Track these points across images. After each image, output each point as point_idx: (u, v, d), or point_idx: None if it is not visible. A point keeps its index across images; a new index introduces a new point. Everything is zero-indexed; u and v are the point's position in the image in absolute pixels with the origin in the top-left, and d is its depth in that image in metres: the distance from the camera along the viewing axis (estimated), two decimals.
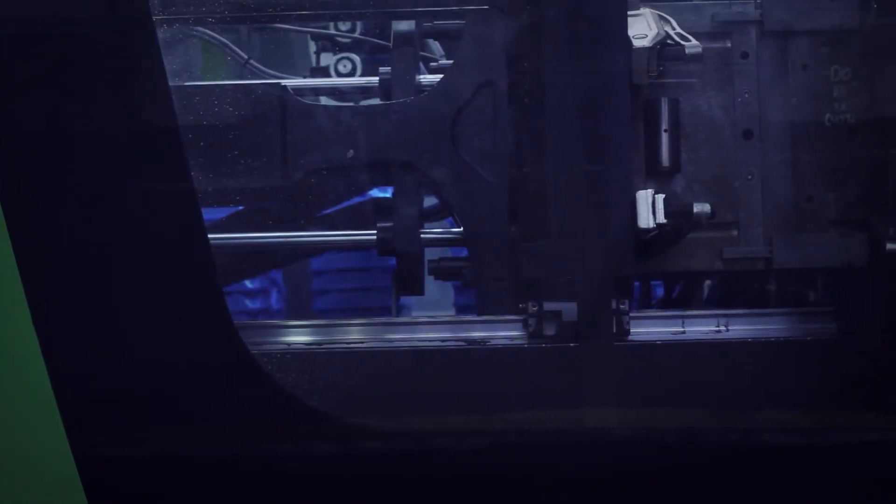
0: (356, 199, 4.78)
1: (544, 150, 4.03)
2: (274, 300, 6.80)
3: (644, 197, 4.04)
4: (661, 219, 4.03)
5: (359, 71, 5.03)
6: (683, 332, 4.22)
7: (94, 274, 3.67)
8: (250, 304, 6.70)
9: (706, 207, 4.11)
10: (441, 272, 4.52)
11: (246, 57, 4.74)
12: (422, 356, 4.09)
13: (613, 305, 4.04)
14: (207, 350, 3.76)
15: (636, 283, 5.18)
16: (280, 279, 6.80)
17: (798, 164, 4.28)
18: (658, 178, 4.23)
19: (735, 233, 4.27)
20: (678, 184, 4.26)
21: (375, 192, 4.72)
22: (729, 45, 4.29)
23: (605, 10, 4.01)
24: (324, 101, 4.68)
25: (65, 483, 3.58)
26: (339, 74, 5.00)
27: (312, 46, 5.39)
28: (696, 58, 4.13)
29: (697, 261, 4.27)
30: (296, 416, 3.85)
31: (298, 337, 4.27)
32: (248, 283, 6.59)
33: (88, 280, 3.66)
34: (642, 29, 4.12)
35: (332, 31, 5.06)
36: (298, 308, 6.76)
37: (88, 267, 3.66)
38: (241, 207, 4.60)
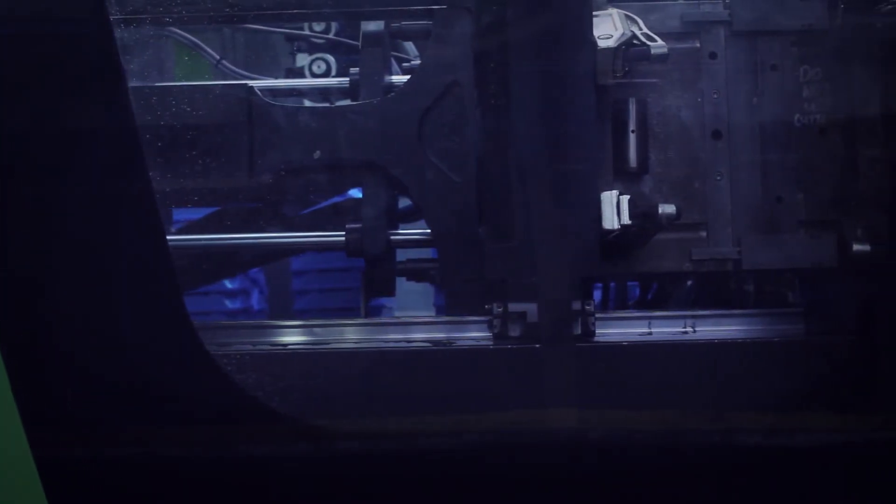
0: (334, 199, 4.81)
1: (509, 150, 4.04)
2: (255, 300, 6.81)
3: (609, 198, 4.04)
4: (626, 220, 4.02)
5: (333, 71, 5.03)
6: (650, 334, 4.26)
7: (53, 274, 3.66)
8: (230, 304, 6.72)
9: (671, 209, 4.10)
10: (409, 273, 4.53)
11: (218, 57, 4.74)
12: (383, 357, 4.09)
13: (578, 306, 4.05)
14: (165, 350, 3.74)
15: (611, 285, 5.23)
16: (262, 280, 6.81)
17: (767, 164, 4.28)
18: (626, 178, 4.24)
19: (704, 234, 4.30)
20: (646, 185, 4.27)
21: (354, 193, 4.73)
22: (697, 45, 4.31)
23: (569, 11, 4.02)
24: (307, 102, 4.70)
25: (25, 484, 3.60)
26: (314, 75, 5.00)
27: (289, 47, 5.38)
28: (661, 58, 4.13)
29: (666, 262, 4.26)
30: (252, 416, 3.85)
31: (267, 338, 4.27)
32: (228, 284, 6.62)
33: (47, 280, 3.65)
34: (608, 29, 4.12)
35: (307, 32, 5.06)
36: (279, 308, 6.77)
37: (46, 267, 3.65)
38: (207, 209, 4.62)
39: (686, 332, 4.19)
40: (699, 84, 4.27)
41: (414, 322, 4.28)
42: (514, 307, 4.03)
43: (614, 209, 4.02)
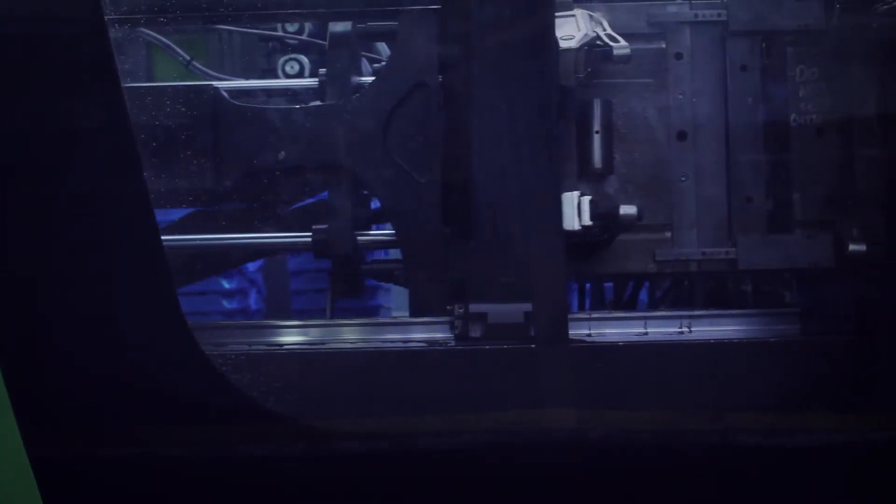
0: (310, 200, 4.79)
1: (472, 151, 4.01)
2: (253, 300, 6.81)
3: (570, 199, 4.03)
4: (587, 221, 4.01)
5: (307, 72, 4.99)
6: (646, 334, 4.22)
7: (46, 273, 3.66)
8: (227, 304, 6.72)
9: (632, 210, 4.08)
10: (374, 274, 4.51)
11: (188, 58, 4.73)
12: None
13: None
14: (160, 349, 3.74)
15: (587, 285, 5.19)
16: (260, 280, 6.81)
17: (735, 165, 4.25)
18: (591, 179, 4.22)
19: (669, 235, 4.26)
20: (611, 185, 4.25)
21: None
22: (664, 45, 4.27)
23: (532, 12, 4.00)
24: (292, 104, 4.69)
25: (20, 484, 3.61)
26: (287, 76, 4.99)
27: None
28: (623, 59, 4.11)
29: (630, 263, 4.25)
30: (250, 416, 3.84)
31: (265, 338, 4.28)
32: (226, 284, 6.62)
33: (40, 279, 3.65)
34: (571, 30, 4.09)
35: (280, 33, 5.03)
36: (277, 308, 6.76)
37: (40, 266, 3.66)
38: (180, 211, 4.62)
39: (682, 333, 4.18)
40: (665, 85, 4.25)
41: (413, 322, 4.27)
42: (475, 308, 4.00)
43: (575, 210, 4.01)
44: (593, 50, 4.08)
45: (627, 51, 4.08)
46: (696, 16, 4.24)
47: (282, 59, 4.97)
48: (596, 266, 4.24)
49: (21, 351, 3.62)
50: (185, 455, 3.82)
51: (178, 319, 3.72)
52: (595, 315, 4.31)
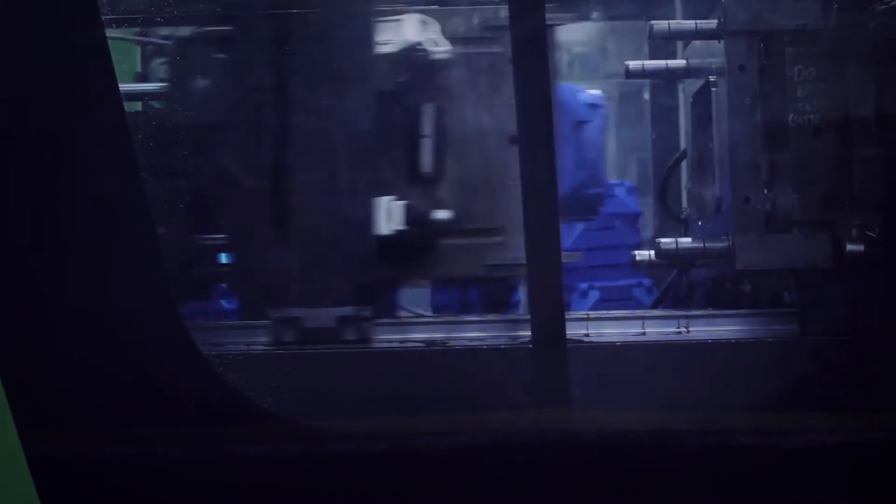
0: None
1: (287, 156, 4.09)
2: None
3: (383, 204, 4.06)
4: (399, 225, 4.03)
5: None
6: (644, 334, 4.22)
7: (43, 273, 3.75)
8: (227, 304, 6.69)
9: (446, 214, 4.11)
10: (215, 277, 4.62)
11: None
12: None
13: (355, 312, 4.11)
14: (157, 349, 3.81)
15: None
16: None
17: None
18: (420, 184, 4.26)
19: (501, 239, 4.26)
20: (442, 190, 4.27)
21: None
22: (498, 49, 4.28)
23: (349, 18, 4.07)
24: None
25: (17, 483, 3.63)
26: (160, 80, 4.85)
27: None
28: (443, 64, 4.13)
29: (460, 267, 4.29)
30: (247, 416, 3.92)
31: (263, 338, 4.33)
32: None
33: (36, 278, 3.75)
34: (392, 35, 4.11)
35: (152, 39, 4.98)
36: None
37: (36, 266, 3.74)
38: None
39: (680, 333, 4.21)
40: (499, 89, 4.26)
41: (412, 322, 4.36)
42: (292, 312, 4.09)
43: (388, 215, 4.05)
44: (413, 55, 4.11)
45: (447, 55, 4.12)
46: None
47: (156, 63, 4.96)
48: (426, 270, 4.29)
49: (17, 350, 3.72)
50: (184, 455, 3.89)
51: (175, 317, 3.80)
52: (593, 315, 4.33)
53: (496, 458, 3.87)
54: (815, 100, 4.22)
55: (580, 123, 4.52)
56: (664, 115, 7.16)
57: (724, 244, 4.23)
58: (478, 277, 4.31)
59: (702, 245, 4.30)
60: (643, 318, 4.29)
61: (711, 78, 4.47)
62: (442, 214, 4.07)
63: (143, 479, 3.83)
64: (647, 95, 8.72)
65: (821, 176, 4.20)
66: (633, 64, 4.84)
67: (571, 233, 8.28)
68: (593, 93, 4.60)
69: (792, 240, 4.21)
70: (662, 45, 6.06)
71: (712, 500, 3.89)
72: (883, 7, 4.09)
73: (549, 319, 3.92)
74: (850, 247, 4.12)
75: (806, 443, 3.86)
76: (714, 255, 4.27)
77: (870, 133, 4.14)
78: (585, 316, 4.35)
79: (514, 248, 4.23)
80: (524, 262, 4.09)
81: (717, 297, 5.03)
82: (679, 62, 4.91)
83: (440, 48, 4.12)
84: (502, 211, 4.24)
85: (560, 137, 4.37)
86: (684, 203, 5.37)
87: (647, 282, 7.83)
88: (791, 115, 4.23)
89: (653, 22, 4.57)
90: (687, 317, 4.27)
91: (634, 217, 8.41)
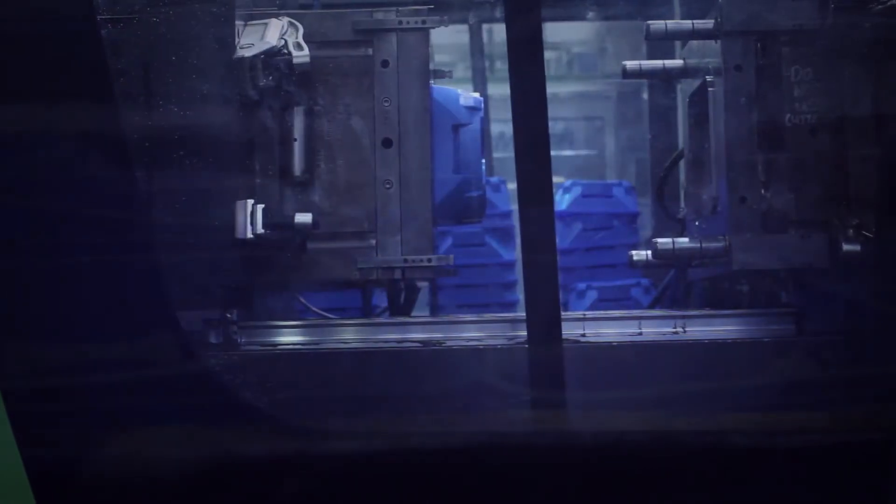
0: None
1: (155, 160, 3.97)
2: None
3: (242, 207, 3.99)
4: (259, 230, 3.98)
5: None
6: (640, 334, 4.21)
7: (40, 274, 3.71)
8: None
9: (307, 217, 4.05)
10: None
11: None
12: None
13: (221, 316, 4.08)
14: (154, 349, 3.78)
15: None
16: None
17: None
18: (291, 187, 4.18)
19: (373, 242, 4.23)
20: (314, 193, 4.20)
21: None
22: (370, 52, 4.25)
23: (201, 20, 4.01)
24: None
25: (14, 486, 3.62)
26: None
27: None
28: (303, 68, 4.07)
29: (331, 271, 4.22)
30: (246, 416, 3.90)
31: (262, 338, 4.30)
32: None
33: (33, 280, 3.71)
34: (253, 38, 4.06)
35: None
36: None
37: (33, 267, 3.70)
38: None
39: (676, 333, 4.20)
40: (371, 92, 4.23)
41: (410, 322, 4.35)
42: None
43: (248, 218, 3.99)
44: (272, 59, 4.04)
45: (307, 59, 4.06)
46: (400, 23, 4.25)
47: None
48: (289, 275, 4.22)
49: (14, 351, 3.69)
50: (183, 455, 3.86)
51: (170, 317, 3.78)
52: (589, 315, 4.33)
53: (492, 458, 3.87)
54: (812, 100, 4.21)
55: (458, 126, 4.51)
56: (662, 115, 7.17)
57: (720, 244, 4.20)
58: (350, 281, 4.26)
59: (698, 245, 4.26)
60: (640, 318, 4.27)
61: (708, 78, 4.43)
62: (303, 218, 4.02)
63: (139, 481, 3.80)
64: (645, 95, 8.76)
65: (817, 176, 4.18)
66: (630, 64, 4.82)
67: (569, 233, 8.28)
68: (472, 95, 4.58)
69: (788, 240, 4.19)
70: (659, 45, 6.11)
71: (709, 500, 3.89)
72: (880, 7, 4.05)
73: (545, 319, 3.89)
74: (846, 247, 4.08)
75: (803, 443, 3.86)
76: (711, 254, 4.25)
77: (867, 133, 4.11)
78: (582, 316, 4.33)
79: (388, 252, 4.21)
80: (397, 265, 4.15)
81: (714, 297, 5.01)
82: (676, 62, 4.89)
83: (300, 52, 4.06)
84: (374, 214, 4.20)
85: (437, 140, 4.33)
86: (682, 203, 5.35)
87: (645, 282, 7.82)
88: (788, 115, 4.21)
89: (649, 22, 4.54)
90: (684, 317, 4.25)
91: (633, 217, 8.39)
